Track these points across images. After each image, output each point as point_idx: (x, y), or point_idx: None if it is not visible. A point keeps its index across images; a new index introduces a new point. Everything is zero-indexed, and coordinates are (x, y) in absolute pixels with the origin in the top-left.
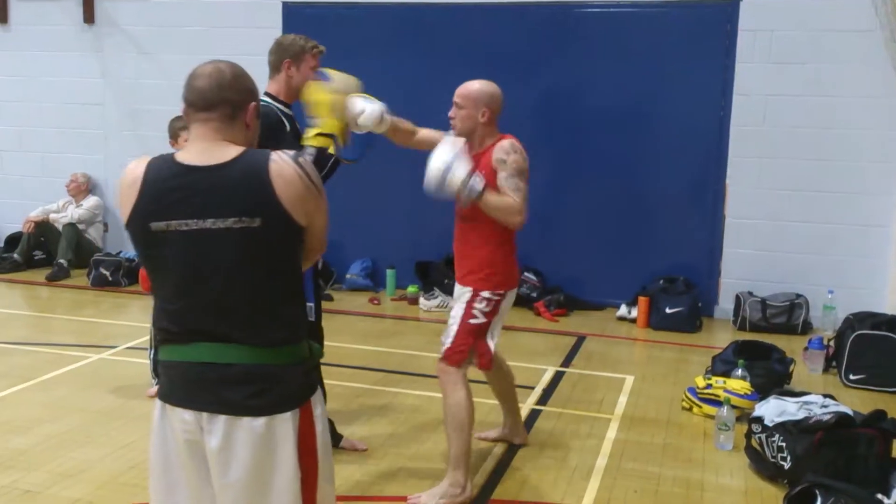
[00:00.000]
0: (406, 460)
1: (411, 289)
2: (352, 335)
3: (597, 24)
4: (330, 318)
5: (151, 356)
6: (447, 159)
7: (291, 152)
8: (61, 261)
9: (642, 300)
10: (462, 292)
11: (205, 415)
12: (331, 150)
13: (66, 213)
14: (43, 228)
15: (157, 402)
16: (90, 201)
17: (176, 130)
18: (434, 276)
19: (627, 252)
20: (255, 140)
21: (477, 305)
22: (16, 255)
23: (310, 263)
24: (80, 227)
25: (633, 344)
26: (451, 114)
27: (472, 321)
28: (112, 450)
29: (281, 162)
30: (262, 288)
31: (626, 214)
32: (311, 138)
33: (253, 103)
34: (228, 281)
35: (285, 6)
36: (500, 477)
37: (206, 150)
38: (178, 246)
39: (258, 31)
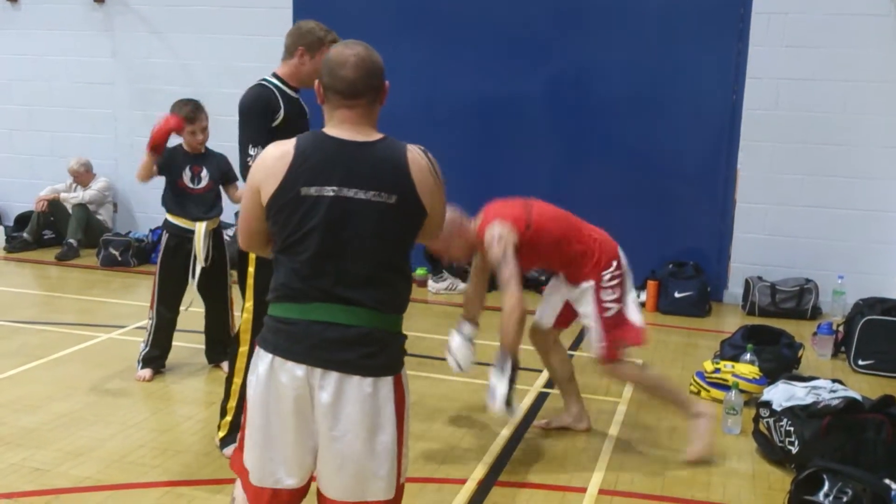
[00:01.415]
0: (413, 442)
1: (420, 271)
2: None
3: (608, 7)
4: None
5: (144, 341)
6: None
7: (422, 147)
8: (71, 240)
9: (651, 284)
10: (581, 290)
11: (318, 371)
12: None
13: (75, 193)
14: (53, 208)
15: (266, 357)
16: (99, 182)
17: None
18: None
19: (637, 236)
20: None
21: (604, 297)
22: (25, 235)
23: (435, 239)
24: (91, 207)
25: None
26: None
27: (608, 314)
28: (121, 429)
29: (415, 151)
30: (386, 259)
31: (636, 198)
32: None
33: (387, 83)
34: (361, 248)
35: None
36: (508, 459)
37: (353, 130)
38: (322, 211)
39: (269, 11)
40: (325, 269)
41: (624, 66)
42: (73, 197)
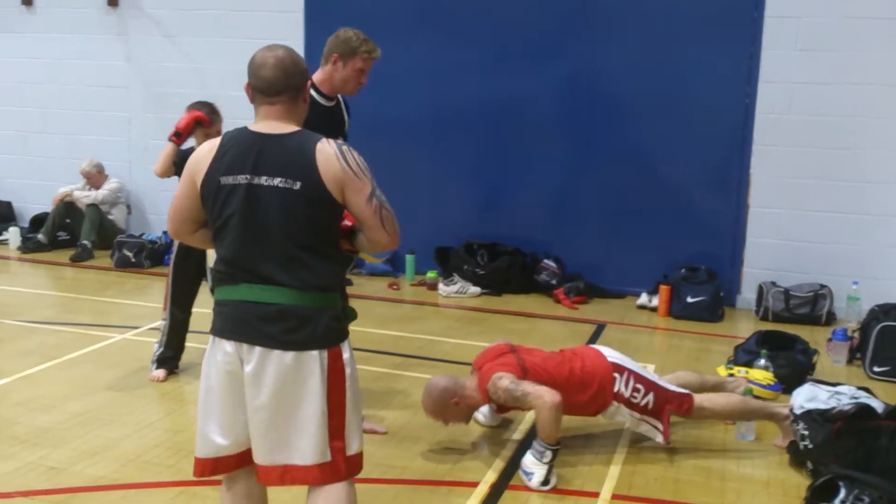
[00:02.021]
0: (425, 444)
1: (430, 274)
2: (371, 319)
3: (619, 8)
4: (349, 302)
5: (158, 342)
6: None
7: (340, 140)
8: (85, 242)
9: (663, 289)
10: (611, 413)
11: (244, 346)
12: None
13: (88, 193)
14: (67, 209)
15: (210, 338)
16: (111, 183)
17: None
18: (453, 261)
19: (648, 240)
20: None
21: (635, 400)
22: (40, 236)
23: (373, 246)
24: (103, 208)
25: (653, 332)
26: None
27: (650, 406)
28: (136, 428)
29: (326, 142)
30: (299, 241)
31: (648, 202)
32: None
33: (308, 81)
34: (275, 231)
35: None
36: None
37: (272, 125)
38: (239, 197)
39: (280, 15)
40: (245, 252)
41: (635, 69)
42: (86, 196)
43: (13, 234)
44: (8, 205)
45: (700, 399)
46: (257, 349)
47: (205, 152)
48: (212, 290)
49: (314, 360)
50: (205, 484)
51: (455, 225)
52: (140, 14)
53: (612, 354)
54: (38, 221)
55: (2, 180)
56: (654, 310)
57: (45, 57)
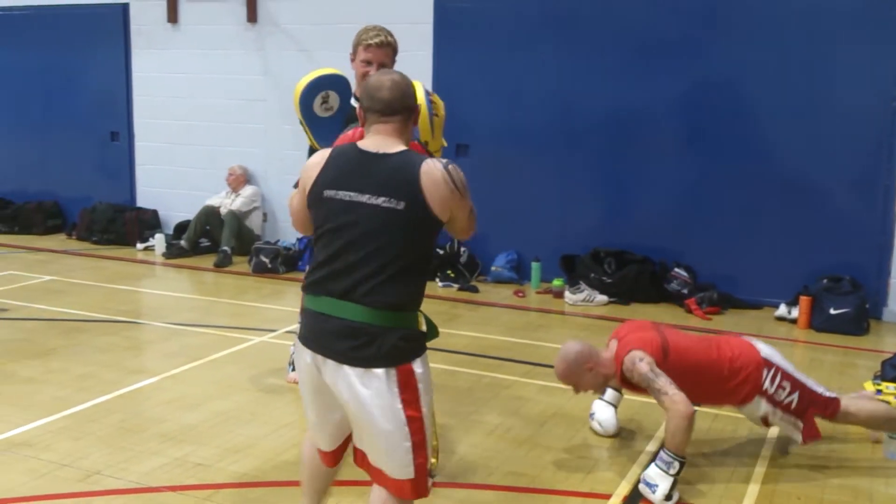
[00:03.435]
0: (556, 453)
1: (556, 282)
2: (497, 327)
3: (754, 7)
4: (474, 309)
5: (295, 345)
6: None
7: (444, 160)
8: (225, 248)
9: (804, 300)
10: (752, 407)
11: (319, 357)
12: None
13: (227, 199)
14: (208, 216)
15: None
16: (248, 190)
17: None
18: (580, 269)
19: (787, 248)
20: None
21: (779, 398)
22: (183, 242)
23: (463, 237)
24: (240, 214)
25: (793, 345)
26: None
27: (794, 406)
28: (275, 428)
29: (432, 164)
30: (393, 260)
31: (787, 208)
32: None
33: (418, 105)
34: (369, 249)
35: (437, 0)
36: None
37: (381, 143)
38: (339, 212)
39: (410, 27)
40: (333, 266)
41: (768, 69)
42: (225, 203)
43: (158, 241)
44: (154, 213)
45: (846, 403)
46: (330, 363)
47: (314, 163)
48: None
49: (379, 378)
50: (340, 484)
51: (581, 232)
52: (277, 30)
53: (764, 349)
54: (181, 229)
55: (149, 190)
56: (793, 322)
57: (189, 72)
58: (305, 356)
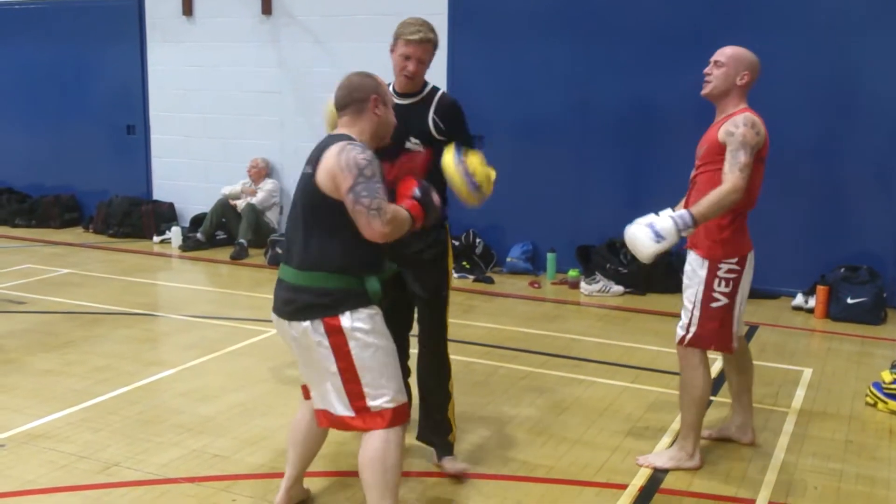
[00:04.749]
0: (572, 444)
1: (572, 273)
2: (513, 318)
3: (776, 1)
4: (490, 300)
5: None
6: (649, 231)
7: (359, 143)
8: (242, 240)
9: (821, 289)
10: (694, 266)
11: (275, 315)
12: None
13: (244, 198)
14: (224, 209)
15: None
16: (268, 184)
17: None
18: (595, 260)
19: (804, 238)
20: (389, 121)
21: (717, 287)
22: (199, 235)
23: (368, 237)
24: (259, 208)
25: (810, 335)
26: (707, 70)
27: (714, 304)
28: (290, 419)
29: (342, 142)
30: (306, 225)
31: (803, 198)
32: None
33: (374, 96)
34: (296, 216)
35: None
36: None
37: (336, 130)
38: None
39: (425, 18)
40: (287, 234)
41: (788, 61)
42: (245, 198)
43: (175, 234)
44: (170, 205)
45: (742, 349)
46: (283, 321)
47: None
48: None
49: (305, 329)
50: (357, 475)
51: (596, 223)
52: (292, 21)
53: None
54: (197, 221)
55: (165, 182)
56: (810, 311)
57: (204, 64)
58: (273, 317)
